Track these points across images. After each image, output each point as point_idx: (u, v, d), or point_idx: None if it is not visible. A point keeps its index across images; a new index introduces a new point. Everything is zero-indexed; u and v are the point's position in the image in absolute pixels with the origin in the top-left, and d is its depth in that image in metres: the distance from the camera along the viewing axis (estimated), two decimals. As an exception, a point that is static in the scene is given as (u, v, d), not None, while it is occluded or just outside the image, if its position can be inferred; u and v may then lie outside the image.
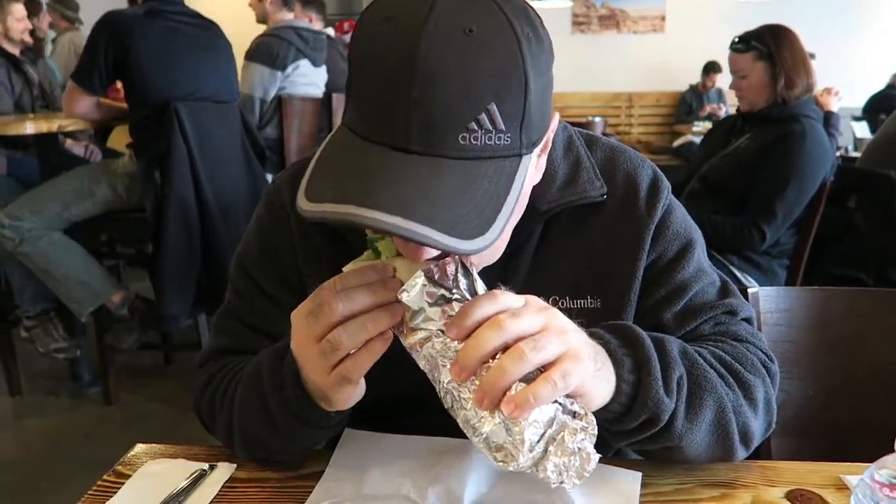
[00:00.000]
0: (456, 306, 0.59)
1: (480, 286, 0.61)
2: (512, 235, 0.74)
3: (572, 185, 0.78)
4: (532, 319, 0.58)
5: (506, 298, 0.59)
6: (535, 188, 0.75)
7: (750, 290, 1.05)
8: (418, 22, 0.56)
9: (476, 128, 0.57)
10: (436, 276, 0.60)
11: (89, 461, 2.27)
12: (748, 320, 0.83)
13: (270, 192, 0.86)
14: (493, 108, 0.57)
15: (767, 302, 1.07)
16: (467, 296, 0.60)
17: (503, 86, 0.57)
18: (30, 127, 2.35)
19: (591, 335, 0.66)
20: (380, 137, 0.58)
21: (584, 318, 0.77)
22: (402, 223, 0.53)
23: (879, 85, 6.15)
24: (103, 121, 2.58)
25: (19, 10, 3.28)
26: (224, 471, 0.75)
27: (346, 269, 0.65)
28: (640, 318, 0.81)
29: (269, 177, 3.05)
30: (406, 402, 0.74)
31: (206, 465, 0.75)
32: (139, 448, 0.80)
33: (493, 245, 0.57)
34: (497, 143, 0.58)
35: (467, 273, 0.61)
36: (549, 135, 0.69)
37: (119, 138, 3.35)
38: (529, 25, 0.60)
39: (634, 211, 0.80)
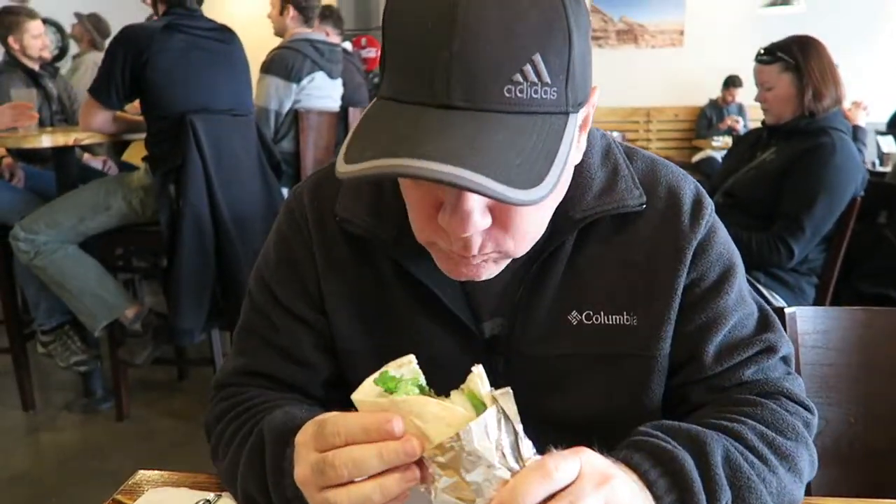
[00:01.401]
0: (498, 474, 0.51)
1: (527, 448, 0.53)
2: (545, 242, 0.71)
3: (609, 193, 0.74)
4: (591, 501, 0.52)
5: (560, 473, 0.52)
6: (569, 194, 0.71)
7: (787, 311, 0.99)
8: None
9: (521, 80, 0.54)
10: (475, 440, 0.51)
11: (100, 477, 2.25)
12: (787, 360, 0.78)
13: (291, 202, 0.82)
14: (538, 58, 0.54)
15: (804, 322, 1.01)
16: (512, 462, 0.52)
17: (547, 36, 0.55)
18: (46, 140, 2.34)
19: (631, 465, 0.62)
20: (419, 97, 0.55)
21: (618, 336, 0.73)
22: (455, 171, 0.50)
23: (892, 100, 6.05)
24: (120, 134, 2.58)
25: (36, 26, 3.30)
26: (230, 501, 0.70)
27: (355, 397, 0.57)
28: (677, 345, 0.76)
29: (285, 190, 3.03)
30: (404, 356, 0.70)
31: (211, 495, 0.71)
32: (141, 475, 0.76)
33: (550, 195, 0.54)
34: (544, 97, 0.56)
35: (509, 426, 0.53)
36: (591, 109, 0.66)
37: (135, 152, 3.35)
38: None
39: (677, 224, 0.75)
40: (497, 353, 0.77)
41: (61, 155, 2.61)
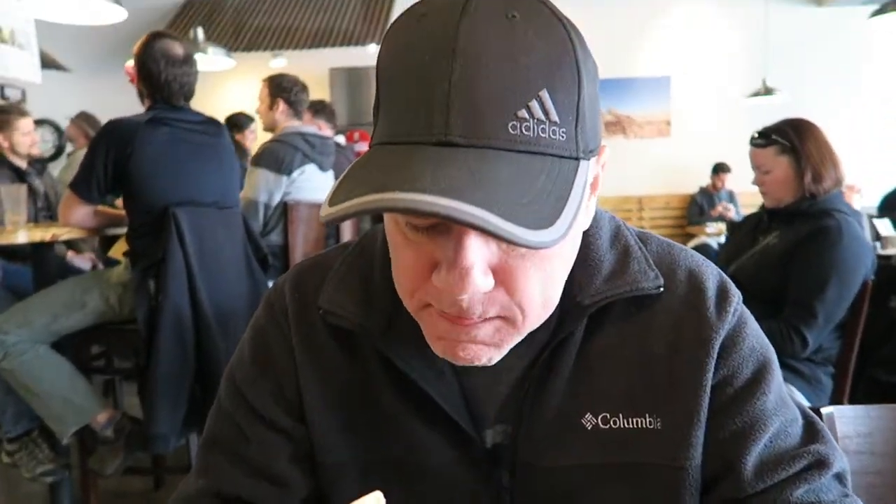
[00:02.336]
0: None
1: None
2: (551, 333, 0.62)
3: (620, 276, 0.65)
4: None
5: None
6: (576, 279, 0.63)
7: (824, 411, 0.87)
8: (455, 11, 0.51)
9: (527, 116, 0.49)
10: None
11: None
12: (841, 477, 0.65)
13: (270, 294, 0.73)
14: (546, 94, 0.49)
15: (844, 424, 0.89)
16: None
17: (555, 71, 0.50)
18: (22, 236, 2.26)
19: None
20: (415, 135, 0.50)
21: (641, 442, 0.61)
22: (455, 204, 0.44)
23: (879, 183, 6.12)
24: (101, 228, 2.50)
25: (26, 124, 3.31)
26: None
27: None
28: (710, 456, 0.64)
29: (271, 284, 2.94)
30: (395, 468, 0.61)
31: None
32: None
33: (562, 238, 0.47)
34: (552, 137, 0.50)
35: None
36: (600, 169, 0.60)
37: (122, 248, 3.28)
38: (573, 28, 0.54)
39: (701, 312, 0.65)
40: (501, 466, 0.66)
41: (39, 251, 2.53)
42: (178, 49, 2.38)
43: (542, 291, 0.56)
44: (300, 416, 0.69)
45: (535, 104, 0.50)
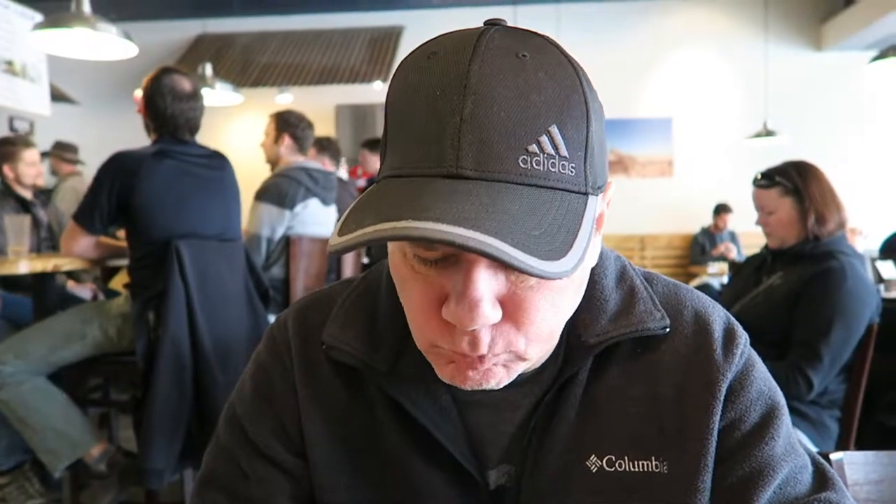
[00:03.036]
0: None
1: None
2: (557, 373, 0.62)
3: (626, 316, 0.64)
4: None
5: None
6: (582, 318, 0.63)
7: (833, 457, 0.85)
8: (467, 49, 0.52)
9: (537, 150, 0.50)
10: None
11: None
12: None
13: (273, 328, 0.72)
14: (555, 130, 0.50)
15: (854, 471, 0.87)
16: None
17: (564, 108, 0.51)
18: (24, 266, 2.25)
19: None
20: (426, 168, 0.50)
21: (647, 486, 0.60)
22: (471, 234, 0.44)
23: (880, 226, 6.13)
24: (102, 259, 2.50)
25: (31, 155, 3.34)
26: None
27: None
28: (719, 503, 0.62)
29: (272, 318, 2.92)
30: None
31: None
32: None
33: (574, 270, 0.47)
34: (562, 171, 0.51)
35: None
36: (605, 207, 0.61)
37: (123, 279, 3.28)
38: (580, 68, 0.55)
39: (708, 353, 0.64)
40: None
41: (40, 281, 2.52)
42: (185, 84, 2.41)
43: (548, 324, 0.56)
44: (301, 453, 0.67)
45: (545, 139, 0.50)
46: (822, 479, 0.65)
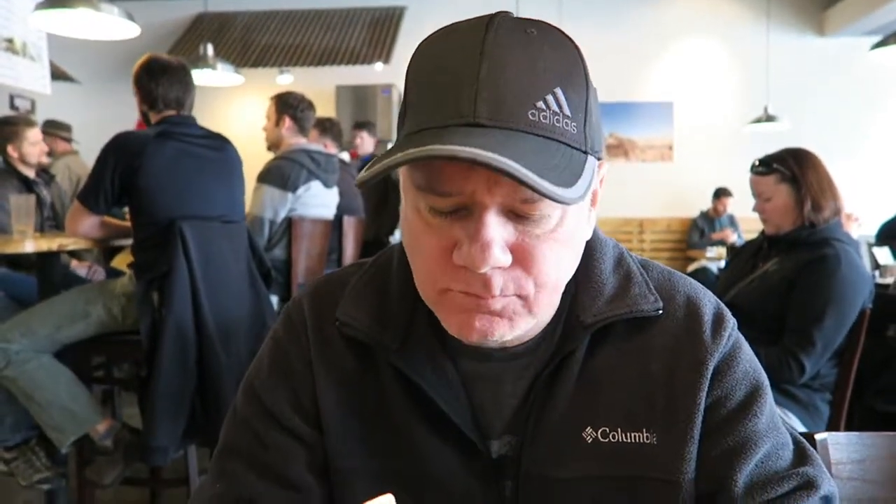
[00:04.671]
0: None
1: None
2: (555, 350, 0.67)
3: (622, 298, 0.69)
4: None
5: None
6: (580, 300, 0.68)
7: (817, 437, 0.89)
8: (482, 26, 0.58)
9: (544, 107, 0.56)
10: None
11: None
12: (829, 501, 0.68)
13: (289, 308, 0.77)
14: (560, 92, 0.57)
15: (838, 451, 0.91)
16: None
17: (567, 75, 0.58)
18: (29, 245, 2.28)
19: None
20: (444, 119, 0.56)
21: (638, 456, 0.65)
22: (493, 156, 0.50)
23: (878, 212, 6.16)
24: (107, 239, 2.52)
25: (34, 134, 3.34)
26: None
27: None
28: (704, 473, 0.67)
29: (274, 299, 2.95)
30: (404, 476, 0.65)
31: None
32: None
33: (580, 199, 0.55)
34: (565, 127, 0.57)
35: None
36: (599, 185, 0.67)
37: (125, 259, 3.30)
38: (579, 48, 0.62)
39: (698, 335, 0.69)
40: (505, 476, 0.69)
41: (45, 260, 2.55)
42: (168, 62, 2.47)
43: (553, 273, 0.61)
44: (316, 424, 0.72)
45: (550, 98, 0.56)
46: (801, 456, 0.69)
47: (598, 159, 0.64)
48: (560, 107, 0.57)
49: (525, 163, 0.51)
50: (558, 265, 0.61)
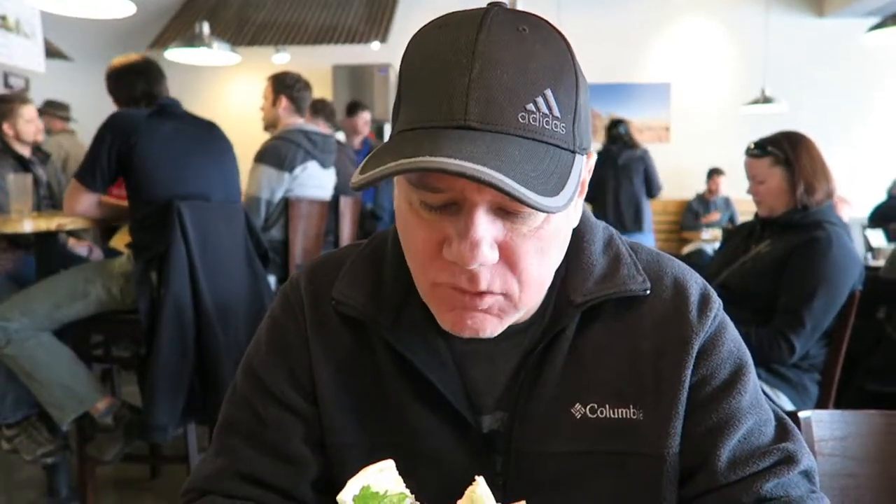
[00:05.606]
0: None
1: None
2: (546, 328, 0.69)
3: (611, 279, 0.71)
4: None
5: None
6: (570, 280, 0.70)
7: (801, 415, 0.92)
8: (475, 22, 0.59)
9: (534, 109, 0.57)
10: None
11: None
12: (809, 475, 0.70)
13: (286, 287, 0.79)
14: (549, 93, 0.58)
15: (821, 428, 0.94)
16: None
17: (557, 76, 0.59)
18: (28, 225, 2.29)
19: None
20: (437, 120, 0.57)
21: (624, 431, 0.68)
22: (480, 168, 0.52)
23: (874, 194, 6.19)
24: (104, 219, 2.53)
25: (29, 111, 3.33)
26: None
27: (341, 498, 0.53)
28: (688, 448, 0.70)
29: (272, 279, 2.97)
30: (398, 451, 0.65)
31: None
32: None
33: (564, 208, 0.56)
34: (554, 129, 0.58)
35: None
36: (587, 174, 0.68)
37: (122, 239, 3.31)
38: (569, 43, 0.63)
39: (684, 314, 0.71)
40: (495, 451, 0.71)
41: (43, 240, 2.56)
42: (122, 64, 2.51)
43: (538, 270, 0.63)
44: (313, 399, 0.74)
45: (540, 100, 0.57)
46: (783, 432, 0.72)
47: (587, 153, 0.66)
48: (550, 108, 0.58)
49: (513, 173, 0.53)
50: (542, 262, 0.63)
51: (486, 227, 0.59)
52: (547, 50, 0.59)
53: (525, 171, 0.54)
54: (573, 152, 0.60)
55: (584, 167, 0.65)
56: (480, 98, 0.56)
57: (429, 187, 0.59)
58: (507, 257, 0.61)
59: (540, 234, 0.61)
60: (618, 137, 5.27)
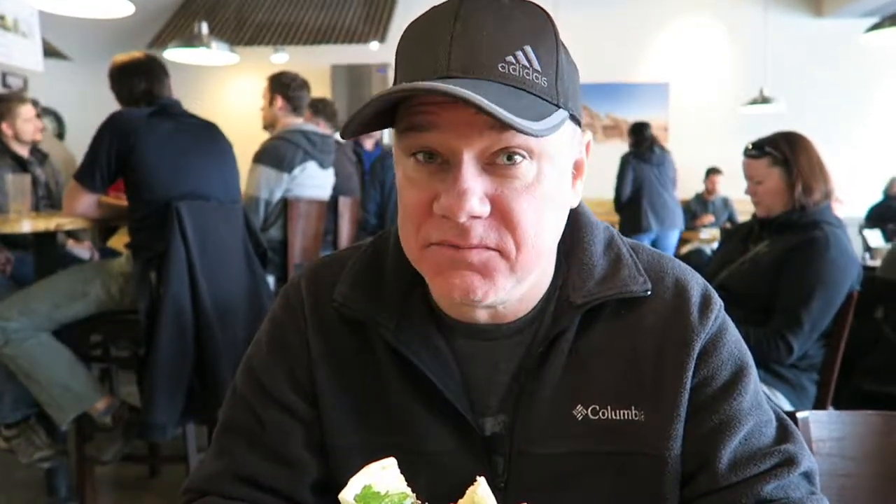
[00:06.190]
0: None
1: None
2: (548, 326, 0.69)
3: (611, 280, 0.71)
4: None
5: None
6: (571, 280, 0.70)
7: (799, 416, 0.92)
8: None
9: (514, 62, 0.60)
10: None
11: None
12: (809, 476, 0.70)
13: (287, 289, 0.79)
14: (529, 49, 0.60)
15: (819, 428, 0.94)
16: None
17: (537, 35, 0.62)
18: (26, 225, 2.29)
19: None
20: (422, 73, 0.60)
21: (626, 433, 0.68)
22: (466, 92, 0.54)
23: (872, 194, 6.20)
24: (103, 219, 2.53)
25: (28, 111, 3.33)
26: None
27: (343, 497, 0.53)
28: (689, 450, 0.70)
29: (271, 279, 2.97)
30: (399, 453, 0.64)
31: None
32: None
33: (549, 132, 0.58)
34: (535, 81, 0.60)
35: None
36: (584, 155, 0.70)
37: (121, 239, 3.31)
38: (552, 19, 0.65)
39: (686, 315, 0.71)
40: (497, 453, 0.71)
41: (42, 240, 2.56)
42: (125, 61, 2.49)
43: (533, 227, 0.63)
44: (313, 401, 0.74)
45: (520, 54, 0.60)
46: (783, 433, 0.72)
47: (577, 121, 0.67)
48: (530, 62, 0.60)
49: (496, 102, 0.55)
50: (538, 222, 0.63)
51: (473, 179, 0.60)
52: (526, 16, 0.62)
53: (510, 104, 0.56)
54: (557, 105, 0.62)
55: (575, 135, 0.66)
56: (462, 51, 0.59)
57: (417, 126, 0.61)
58: (502, 211, 0.62)
59: (533, 192, 0.62)
60: (649, 139, 5.57)
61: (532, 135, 0.56)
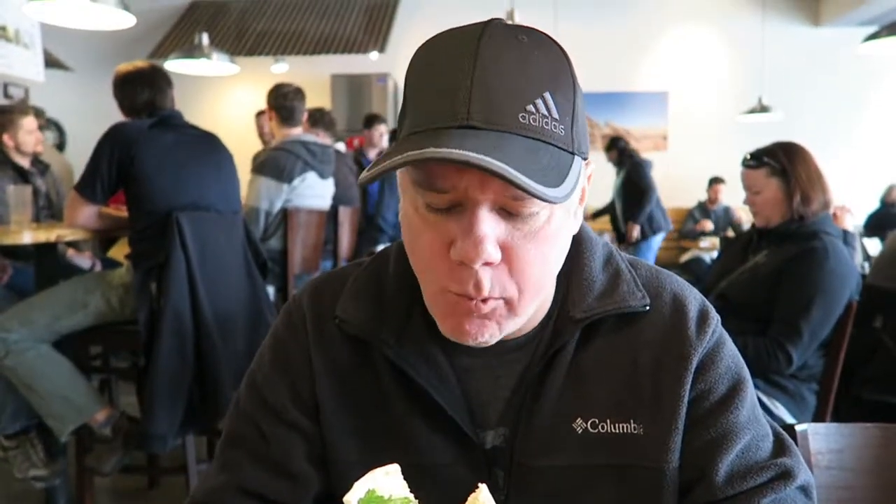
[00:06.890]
0: None
1: None
2: (548, 341, 0.71)
3: (610, 295, 0.72)
4: None
5: None
6: (571, 296, 0.71)
7: (798, 428, 0.92)
8: (476, 31, 0.62)
9: (534, 111, 0.59)
10: None
11: None
12: (806, 490, 0.71)
13: (289, 304, 0.80)
14: (548, 96, 0.60)
15: (817, 441, 0.94)
16: None
17: (556, 80, 0.62)
18: (27, 236, 2.30)
19: None
20: (440, 121, 0.59)
21: (625, 446, 0.69)
22: (485, 158, 0.53)
23: (871, 202, 6.21)
24: (104, 230, 2.54)
25: (29, 122, 3.34)
26: None
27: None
28: (687, 462, 0.70)
29: (271, 289, 2.97)
30: (401, 468, 0.64)
31: None
32: None
33: (566, 199, 0.58)
34: (553, 130, 0.60)
35: None
36: (586, 183, 0.70)
37: (121, 249, 3.31)
38: (566, 53, 0.65)
39: (683, 330, 0.72)
40: (498, 466, 0.72)
41: (43, 251, 2.56)
42: (129, 71, 2.48)
43: (538, 274, 0.64)
44: (315, 416, 0.75)
45: (539, 102, 0.60)
46: (780, 447, 0.73)
47: (585, 160, 0.67)
48: (549, 110, 0.60)
49: (515, 164, 0.55)
50: (542, 265, 0.64)
51: (489, 225, 0.60)
52: (544, 55, 0.62)
53: (526, 165, 0.56)
54: (572, 154, 0.62)
55: (583, 172, 0.66)
56: (482, 98, 0.58)
57: (433, 187, 0.61)
58: (509, 260, 0.62)
59: (541, 235, 0.63)
60: (628, 149, 5.92)
61: (553, 202, 0.57)
